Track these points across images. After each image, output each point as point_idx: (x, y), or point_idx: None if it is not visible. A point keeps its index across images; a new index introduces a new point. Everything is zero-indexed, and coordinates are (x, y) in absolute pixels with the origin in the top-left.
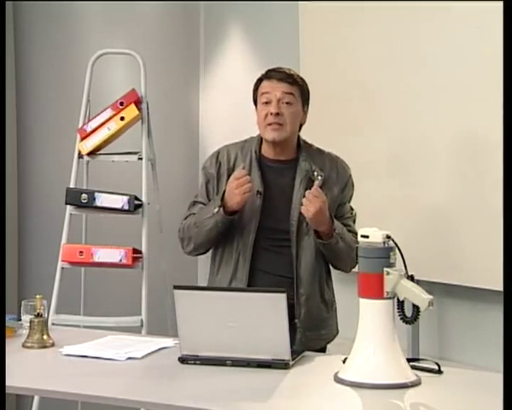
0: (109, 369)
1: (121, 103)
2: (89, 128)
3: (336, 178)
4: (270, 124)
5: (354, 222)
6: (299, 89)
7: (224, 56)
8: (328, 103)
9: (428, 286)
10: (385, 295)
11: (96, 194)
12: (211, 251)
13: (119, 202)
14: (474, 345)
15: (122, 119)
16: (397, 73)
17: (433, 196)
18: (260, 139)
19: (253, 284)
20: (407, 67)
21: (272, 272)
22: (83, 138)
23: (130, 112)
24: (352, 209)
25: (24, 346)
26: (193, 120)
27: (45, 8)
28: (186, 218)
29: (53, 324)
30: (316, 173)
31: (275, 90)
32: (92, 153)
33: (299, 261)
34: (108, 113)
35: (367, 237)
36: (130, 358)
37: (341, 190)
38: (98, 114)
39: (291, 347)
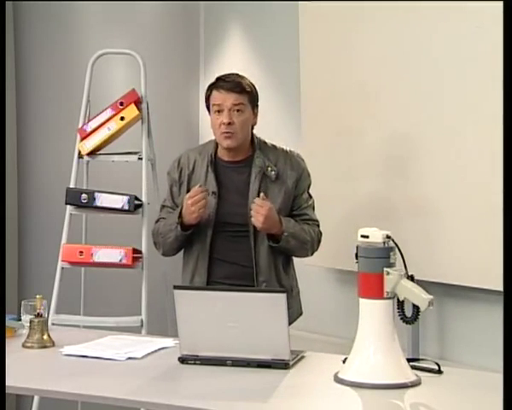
0: (109, 369)
1: (121, 103)
2: (89, 128)
3: (290, 172)
4: (223, 132)
5: (313, 209)
6: (248, 96)
7: (224, 56)
8: (329, 103)
9: (428, 286)
10: (385, 295)
11: (96, 194)
12: None
13: (119, 202)
14: (474, 345)
15: (122, 119)
16: (397, 73)
17: (432, 196)
18: (216, 142)
19: (213, 274)
20: (407, 67)
21: (232, 262)
22: (83, 138)
23: (130, 112)
24: (310, 197)
25: (24, 346)
26: (193, 120)
27: (45, 8)
28: (157, 221)
29: (53, 324)
30: (269, 168)
31: (225, 100)
32: (92, 153)
33: (257, 251)
34: (108, 113)
35: (367, 237)
36: (130, 358)
37: (296, 183)
38: (98, 114)
39: None
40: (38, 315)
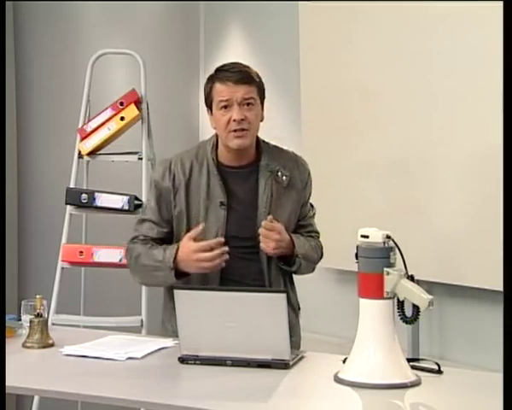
0: (109, 369)
1: (121, 103)
2: (89, 128)
3: (299, 177)
4: (233, 131)
5: (314, 217)
6: (257, 87)
7: (224, 56)
8: (328, 103)
9: (428, 286)
10: (385, 295)
11: (96, 194)
12: None
13: (119, 202)
14: (474, 345)
15: (122, 119)
16: (397, 73)
17: (432, 196)
18: (215, 144)
19: None
20: (407, 67)
21: (241, 280)
22: (83, 138)
23: (130, 112)
24: (312, 207)
25: (24, 346)
26: (193, 120)
27: (45, 8)
28: (133, 239)
29: (53, 324)
30: (280, 174)
31: (234, 94)
32: (92, 153)
33: (270, 267)
34: (108, 113)
35: (367, 237)
36: (130, 358)
37: (303, 189)
38: (98, 114)
39: None
40: (38, 315)
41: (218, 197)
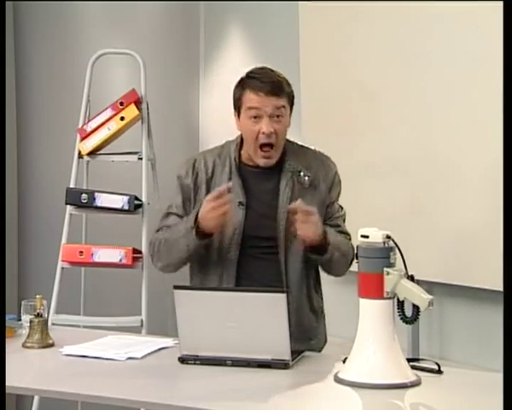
0: (109, 369)
1: (121, 103)
2: (89, 128)
3: (324, 177)
4: (262, 145)
5: (344, 221)
6: (287, 97)
7: (224, 56)
8: (329, 103)
9: (428, 286)
10: (385, 295)
11: (96, 194)
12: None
13: (119, 202)
14: (474, 345)
15: (122, 119)
16: (397, 73)
17: (432, 196)
18: (239, 144)
19: None
20: (407, 66)
21: (259, 280)
22: (83, 138)
23: (130, 112)
24: (341, 208)
25: (24, 346)
26: (193, 120)
27: (45, 8)
28: (158, 230)
29: (53, 324)
30: (302, 174)
31: (265, 105)
32: (92, 153)
33: (287, 268)
34: (108, 113)
35: (367, 237)
36: (130, 358)
37: (329, 190)
38: (98, 114)
39: None
40: (38, 315)
41: (237, 197)
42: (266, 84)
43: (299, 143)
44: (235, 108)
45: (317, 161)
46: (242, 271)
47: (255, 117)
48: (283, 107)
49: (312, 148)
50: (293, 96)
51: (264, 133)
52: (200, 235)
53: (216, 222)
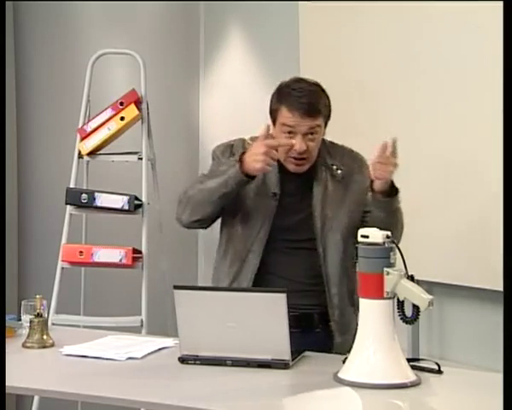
0: (109, 369)
1: (121, 103)
2: (89, 128)
3: (359, 169)
4: (293, 158)
5: None
6: (323, 116)
7: (223, 56)
8: None
9: (428, 286)
10: (385, 295)
11: (96, 194)
12: (216, 249)
13: (119, 202)
14: (474, 345)
15: (122, 119)
16: (397, 73)
17: (432, 196)
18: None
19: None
20: (407, 66)
21: (289, 277)
22: (83, 138)
23: (130, 112)
24: None
25: (24, 346)
26: (193, 120)
27: (45, 8)
28: (192, 184)
29: (53, 324)
30: (335, 168)
31: (299, 126)
32: (92, 153)
33: (326, 260)
34: (108, 113)
35: (367, 236)
36: (130, 358)
37: (363, 180)
38: (98, 114)
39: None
40: (38, 315)
41: (271, 187)
42: (302, 104)
43: (329, 139)
44: (270, 116)
45: (348, 155)
46: (268, 266)
47: (289, 133)
48: (318, 126)
49: (341, 144)
50: (329, 116)
51: (295, 150)
52: (243, 173)
53: (261, 166)
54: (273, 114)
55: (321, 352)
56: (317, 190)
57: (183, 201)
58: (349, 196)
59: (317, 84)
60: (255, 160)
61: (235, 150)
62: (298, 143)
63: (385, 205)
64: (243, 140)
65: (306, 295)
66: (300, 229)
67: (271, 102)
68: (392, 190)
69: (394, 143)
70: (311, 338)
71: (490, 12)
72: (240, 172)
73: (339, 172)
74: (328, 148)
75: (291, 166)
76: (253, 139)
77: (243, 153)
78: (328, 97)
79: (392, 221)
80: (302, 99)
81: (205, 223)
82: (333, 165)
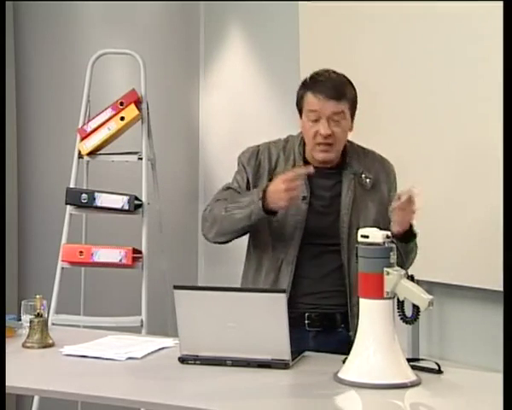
0: (109, 369)
1: (121, 103)
2: (89, 128)
3: (386, 179)
4: (319, 144)
5: None
6: (348, 102)
7: (223, 56)
8: None
9: (428, 286)
10: (385, 295)
11: (96, 194)
12: (245, 259)
13: (119, 202)
14: (474, 345)
15: (122, 119)
16: (397, 74)
17: (432, 197)
18: (303, 141)
19: (298, 292)
20: (407, 67)
21: (314, 277)
22: (83, 138)
23: (130, 112)
24: None
25: (24, 346)
26: (193, 120)
27: (45, 8)
28: (216, 201)
29: (53, 324)
30: (364, 176)
31: (323, 109)
32: (92, 153)
33: (350, 270)
34: (108, 113)
35: (367, 237)
36: (130, 358)
37: (389, 191)
38: (98, 114)
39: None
40: (38, 315)
41: (300, 191)
42: (327, 87)
43: (358, 143)
44: (297, 108)
45: (377, 162)
46: (301, 270)
47: (315, 120)
48: (343, 112)
49: (371, 149)
50: (355, 102)
51: (321, 134)
52: (265, 209)
53: (284, 204)
54: (299, 103)
55: (343, 351)
56: (344, 199)
57: (208, 219)
58: (375, 206)
59: (343, 75)
60: (279, 198)
61: (260, 157)
62: (322, 127)
63: (400, 246)
64: (269, 145)
65: (331, 296)
66: (329, 232)
67: (297, 93)
68: (409, 234)
69: (413, 192)
70: (334, 337)
71: (490, 12)
72: (262, 210)
73: (367, 180)
74: (358, 152)
75: (318, 155)
76: (277, 144)
77: (266, 186)
78: (354, 88)
79: (403, 259)
80: (327, 83)
81: (231, 240)
82: (362, 173)
